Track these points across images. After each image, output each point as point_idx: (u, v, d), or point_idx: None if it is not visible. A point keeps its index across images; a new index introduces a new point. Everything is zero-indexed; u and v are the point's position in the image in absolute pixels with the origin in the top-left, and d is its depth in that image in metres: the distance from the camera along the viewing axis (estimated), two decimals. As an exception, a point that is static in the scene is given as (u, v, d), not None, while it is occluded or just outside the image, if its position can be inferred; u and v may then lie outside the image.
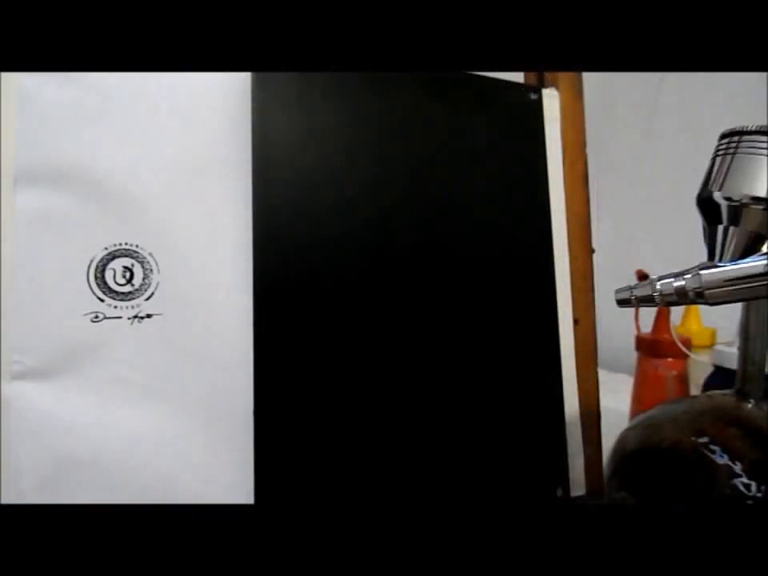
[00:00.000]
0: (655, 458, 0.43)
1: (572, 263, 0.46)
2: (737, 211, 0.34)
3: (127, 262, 0.34)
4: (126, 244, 0.34)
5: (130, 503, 0.33)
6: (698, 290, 0.33)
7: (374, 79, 0.40)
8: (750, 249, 0.34)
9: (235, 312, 0.35)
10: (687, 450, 0.41)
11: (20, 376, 0.32)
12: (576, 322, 0.46)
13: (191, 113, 0.36)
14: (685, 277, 0.33)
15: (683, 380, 0.70)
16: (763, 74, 0.95)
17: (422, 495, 0.38)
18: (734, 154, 0.35)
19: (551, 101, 0.46)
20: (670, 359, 0.70)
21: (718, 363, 0.66)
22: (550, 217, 0.45)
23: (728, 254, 0.35)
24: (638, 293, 0.35)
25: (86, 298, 0.33)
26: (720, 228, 0.35)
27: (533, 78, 0.47)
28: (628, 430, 0.47)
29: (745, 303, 0.46)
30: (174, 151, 0.35)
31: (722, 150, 0.36)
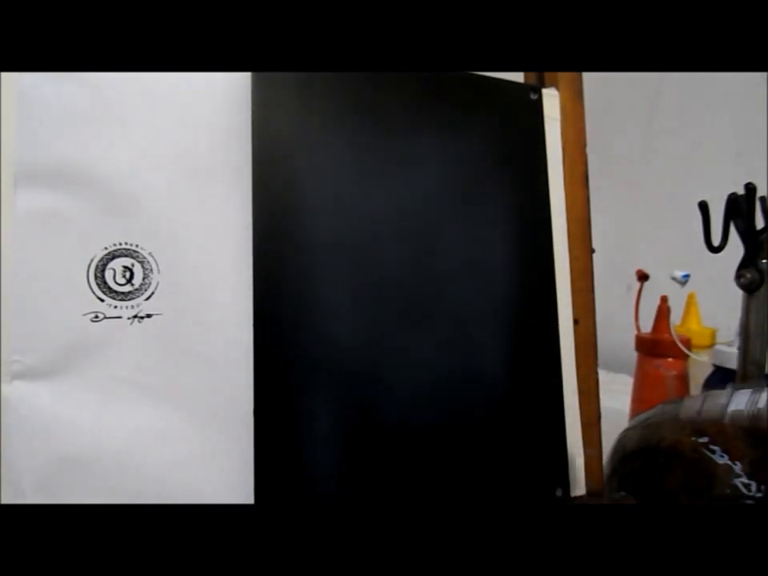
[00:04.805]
0: (655, 457, 0.43)
1: (572, 263, 0.46)
2: None
3: (127, 261, 0.34)
4: (126, 244, 0.34)
5: (129, 503, 0.33)
6: None
7: (374, 79, 0.40)
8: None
9: (235, 312, 0.35)
10: (687, 450, 0.41)
11: (20, 376, 0.32)
12: (576, 321, 0.46)
13: (191, 113, 0.36)
14: None
15: (683, 380, 0.70)
16: (763, 74, 0.95)
17: (421, 495, 0.38)
18: None
19: (551, 101, 0.46)
20: (670, 359, 0.70)
21: (718, 363, 0.66)
22: (550, 217, 0.45)
23: None
24: None
25: (86, 298, 0.33)
26: None
27: (533, 78, 0.47)
28: (628, 429, 0.47)
29: (745, 303, 0.46)
30: (174, 151, 0.35)
31: None
